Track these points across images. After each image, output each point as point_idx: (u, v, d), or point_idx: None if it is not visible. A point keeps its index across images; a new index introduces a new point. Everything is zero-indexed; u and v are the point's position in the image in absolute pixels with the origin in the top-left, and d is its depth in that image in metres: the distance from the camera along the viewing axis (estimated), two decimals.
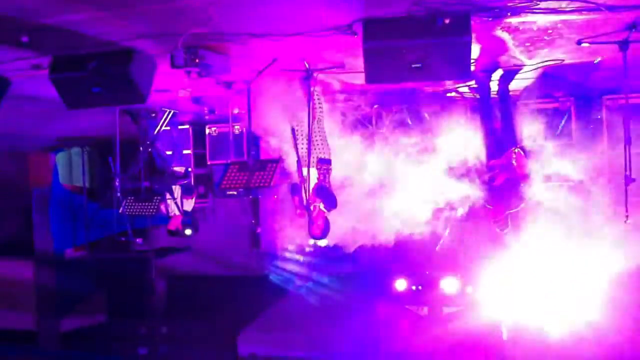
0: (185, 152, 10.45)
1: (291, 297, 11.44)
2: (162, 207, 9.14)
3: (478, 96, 8.31)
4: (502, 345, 10.14)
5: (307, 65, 6.55)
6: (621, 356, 9.11)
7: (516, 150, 7.52)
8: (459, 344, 10.12)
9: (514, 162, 7.45)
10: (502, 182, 7.48)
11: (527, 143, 8.75)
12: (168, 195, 9.27)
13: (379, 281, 10.80)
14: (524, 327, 9.83)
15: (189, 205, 9.85)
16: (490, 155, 7.69)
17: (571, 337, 9.51)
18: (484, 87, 7.87)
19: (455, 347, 10.12)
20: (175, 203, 9.33)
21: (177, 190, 9.51)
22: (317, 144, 7.02)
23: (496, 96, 7.74)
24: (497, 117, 7.76)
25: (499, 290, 9.91)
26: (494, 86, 7.72)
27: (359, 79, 6.73)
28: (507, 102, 7.63)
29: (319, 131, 7.09)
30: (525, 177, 7.62)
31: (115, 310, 12.30)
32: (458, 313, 10.48)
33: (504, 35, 5.66)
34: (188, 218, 9.56)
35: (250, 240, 10.69)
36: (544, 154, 8.71)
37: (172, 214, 9.46)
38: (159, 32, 5.21)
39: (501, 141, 7.62)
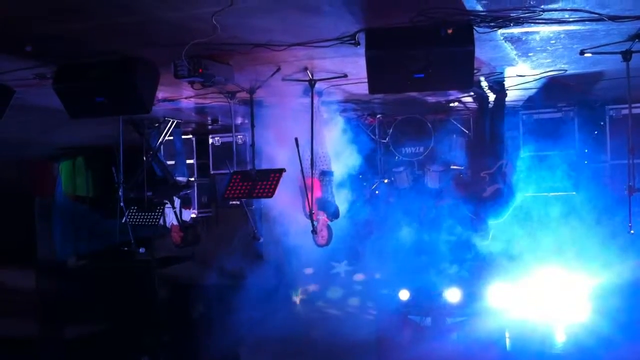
0: (188, 161, 10.47)
1: (294, 307, 11.41)
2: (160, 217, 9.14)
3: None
4: (505, 356, 10.10)
5: (310, 75, 6.56)
6: None
7: (505, 163, 7.56)
8: (463, 354, 10.08)
9: (502, 174, 7.50)
10: (491, 193, 7.51)
11: (528, 153, 8.79)
12: (168, 205, 9.28)
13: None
14: (528, 337, 9.80)
15: (187, 215, 9.87)
16: (482, 166, 7.71)
17: (575, 348, 9.49)
18: (480, 99, 7.89)
19: (458, 357, 10.09)
20: (175, 213, 9.33)
21: (176, 200, 9.52)
22: (319, 155, 7.03)
23: (491, 106, 7.76)
24: (489, 129, 7.78)
25: (503, 299, 9.90)
26: (491, 97, 7.74)
27: (362, 89, 6.75)
28: (499, 114, 7.65)
29: (320, 142, 7.11)
30: (512, 189, 7.67)
31: (118, 319, 12.27)
32: (462, 323, 10.45)
33: (507, 46, 5.66)
34: (191, 228, 9.58)
35: (253, 250, 10.68)
36: (546, 164, 8.72)
37: (170, 224, 9.47)
38: (162, 43, 5.22)
39: (492, 153, 7.64)
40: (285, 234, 8.76)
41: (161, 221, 9.24)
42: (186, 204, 9.91)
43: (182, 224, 9.55)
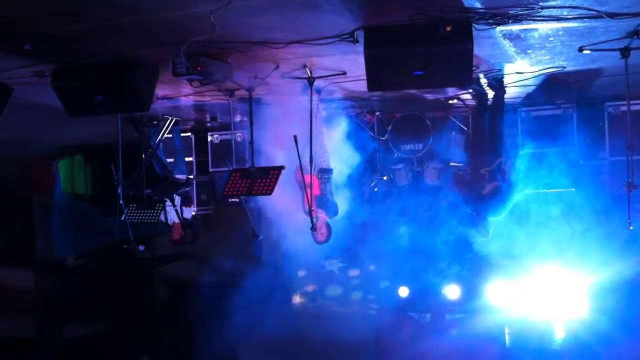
0: (187, 159, 10.46)
1: (293, 306, 11.41)
2: (162, 215, 9.15)
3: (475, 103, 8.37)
4: (504, 353, 10.11)
5: (308, 73, 6.56)
6: None
7: (504, 160, 7.57)
8: (462, 351, 10.09)
9: (501, 171, 7.51)
10: (490, 190, 7.52)
11: (527, 150, 8.79)
12: (168, 203, 9.28)
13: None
14: (527, 334, 9.81)
15: (188, 213, 9.86)
16: (481, 163, 7.72)
17: (574, 344, 9.50)
18: (479, 96, 7.90)
19: (458, 354, 10.09)
20: (176, 210, 9.34)
21: (177, 198, 9.53)
22: (318, 153, 7.03)
23: (490, 104, 7.77)
24: (488, 126, 7.79)
25: (502, 296, 9.91)
26: (490, 94, 7.74)
27: (361, 86, 6.75)
28: (498, 112, 7.65)
29: (319, 140, 7.11)
30: (511, 186, 7.67)
31: (117, 318, 12.27)
32: (461, 320, 10.46)
33: (506, 43, 5.66)
34: (190, 226, 9.58)
35: (252, 248, 10.68)
36: (545, 161, 8.72)
37: (172, 222, 9.47)
38: (161, 41, 5.22)
39: (491, 150, 7.65)
40: (283, 232, 8.76)
41: (163, 218, 9.24)
42: (186, 201, 9.91)
43: (183, 221, 9.55)
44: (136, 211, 8.76)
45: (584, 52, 5.75)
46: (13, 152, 11.22)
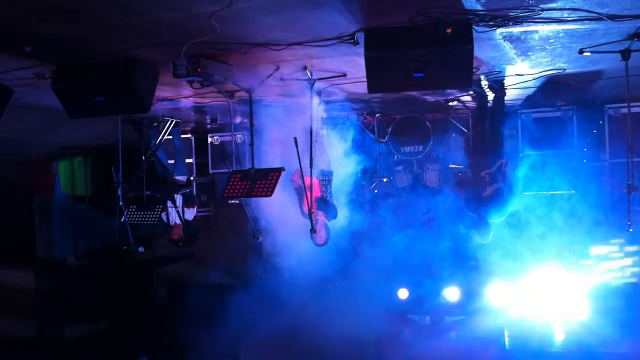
0: (187, 161, 10.46)
1: (293, 307, 11.40)
2: (163, 215, 9.14)
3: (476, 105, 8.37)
4: (504, 355, 10.11)
5: (309, 74, 6.56)
6: None
7: (505, 162, 7.57)
8: (462, 353, 10.09)
9: (502, 173, 7.50)
10: (491, 192, 7.51)
11: (527, 152, 8.79)
12: (170, 204, 9.28)
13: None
14: (527, 336, 9.81)
15: (190, 214, 9.86)
16: (482, 165, 7.71)
17: (574, 346, 9.50)
18: (480, 98, 7.89)
19: (457, 356, 10.09)
20: (177, 212, 9.33)
21: (178, 199, 9.52)
22: (318, 155, 7.02)
23: (490, 106, 7.77)
24: (489, 128, 7.79)
25: (502, 298, 9.91)
26: (490, 96, 7.74)
27: (361, 88, 6.75)
28: (499, 113, 7.65)
29: (319, 142, 7.10)
30: (512, 188, 7.67)
31: (117, 319, 12.27)
32: (461, 322, 10.46)
33: (506, 45, 5.66)
34: (189, 227, 9.57)
35: (252, 249, 10.68)
36: (545, 163, 8.73)
37: (174, 222, 9.46)
38: (161, 42, 5.22)
39: (492, 152, 7.64)
40: (281, 235, 8.77)
41: (165, 219, 9.25)
42: (189, 202, 9.90)
43: (184, 222, 9.55)
44: (136, 212, 8.76)
45: (585, 54, 5.75)
46: (13, 152, 11.23)
